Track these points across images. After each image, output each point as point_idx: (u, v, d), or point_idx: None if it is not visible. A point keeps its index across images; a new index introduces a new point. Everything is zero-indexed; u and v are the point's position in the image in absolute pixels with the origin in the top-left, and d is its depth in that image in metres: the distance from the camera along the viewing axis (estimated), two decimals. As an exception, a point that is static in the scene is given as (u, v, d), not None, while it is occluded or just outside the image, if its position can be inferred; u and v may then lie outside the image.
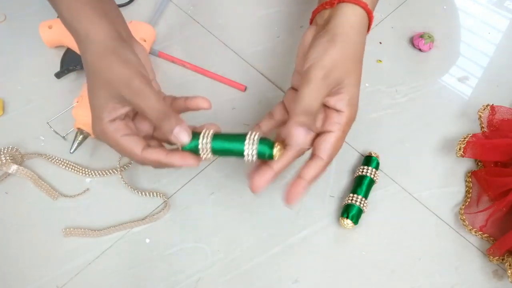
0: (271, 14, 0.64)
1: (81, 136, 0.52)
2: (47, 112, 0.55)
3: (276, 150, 0.40)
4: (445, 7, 0.65)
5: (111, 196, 0.52)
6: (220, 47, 0.62)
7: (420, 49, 0.60)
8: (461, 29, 0.63)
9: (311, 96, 0.39)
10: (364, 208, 0.49)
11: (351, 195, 0.49)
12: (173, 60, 0.60)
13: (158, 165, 0.42)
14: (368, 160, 0.51)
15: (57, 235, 0.50)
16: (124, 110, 0.42)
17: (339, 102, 0.40)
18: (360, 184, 0.50)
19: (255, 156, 0.40)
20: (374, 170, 0.50)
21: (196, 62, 0.60)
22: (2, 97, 0.57)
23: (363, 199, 0.49)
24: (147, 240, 0.49)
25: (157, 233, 0.50)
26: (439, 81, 0.59)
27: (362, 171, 0.50)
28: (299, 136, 0.39)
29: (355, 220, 0.48)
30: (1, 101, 0.57)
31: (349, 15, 0.41)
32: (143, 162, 0.42)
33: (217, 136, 0.41)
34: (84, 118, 0.52)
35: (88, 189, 0.52)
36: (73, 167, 0.53)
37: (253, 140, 0.40)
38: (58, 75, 0.57)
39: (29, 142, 0.55)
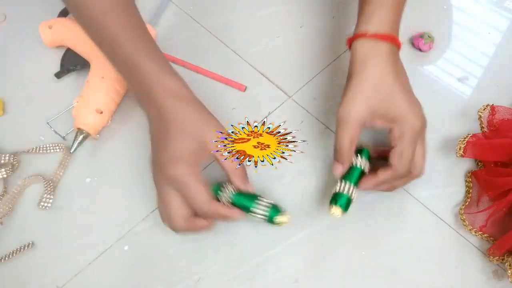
0: (271, 14, 0.64)
1: (81, 136, 0.52)
2: (47, 112, 0.56)
3: (284, 217, 0.45)
4: (445, 7, 0.64)
5: (111, 196, 0.52)
6: (220, 47, 0.61)
7: (420, 49, 0.60)
8: (461, 29, 0.63)
9: (338, 139, 0.45)
10: (352, 197, 0.46)
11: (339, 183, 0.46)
12: (173, 60, 0.60)
13: (218, 216, 0.44)
14: (359, 152, 0.48)
15: (57, 235, 0.50)
16: (208, 161, 0.45)
17: (383, 123, 0.45)
18: (349, 173, 0.47)
19: (261, 216, 0.45)
20: (364, 160, 0.47)
21: (196, 62, 0.60)
22: (2, 97, 0.57)
23: (352, 186, 0.46)
24: (147, 240, 0.49)
25: (157, 233, 0.50)
26: (439, 81, 0.59)
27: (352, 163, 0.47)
28: (336, 170, 0.46)
29: (344, 207, 0.45)
30: (1, 101, 0.57)
31: (357, 51, 0.45)
32: (208, 210, 0.43)
33: (239, 193, 0.46)
34: (84, 118, 0.52)
35: (88, 189, 0.52)
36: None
37: (265, 203, 0.46)
38: (58, 75, 0.57)
39: (29, 142, 0.55)
